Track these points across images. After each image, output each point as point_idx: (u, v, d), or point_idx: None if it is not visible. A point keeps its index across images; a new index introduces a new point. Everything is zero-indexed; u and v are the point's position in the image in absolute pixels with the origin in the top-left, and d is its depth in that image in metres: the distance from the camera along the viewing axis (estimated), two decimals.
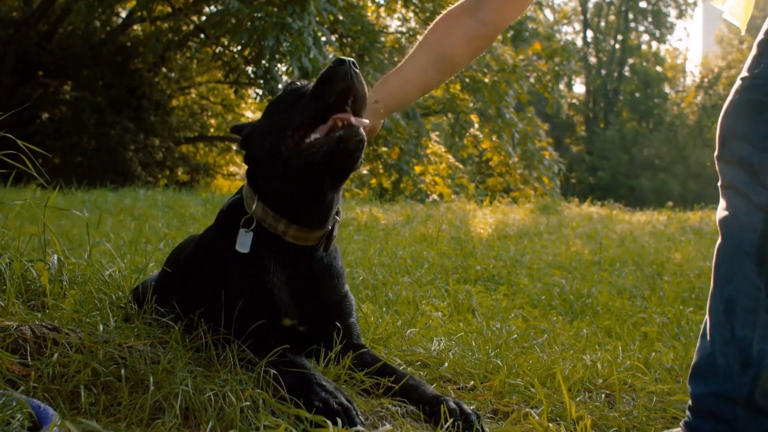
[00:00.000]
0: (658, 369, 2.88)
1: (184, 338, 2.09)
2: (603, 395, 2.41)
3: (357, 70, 2.06)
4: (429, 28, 2.45)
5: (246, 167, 2.32)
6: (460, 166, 23.58)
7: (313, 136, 2.07)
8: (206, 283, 2.24)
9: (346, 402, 1.87)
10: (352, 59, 2.06)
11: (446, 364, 2.46)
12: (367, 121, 2.09)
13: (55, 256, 2.53)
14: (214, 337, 2.08)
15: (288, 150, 2.12)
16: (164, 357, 1.92)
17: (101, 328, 2.07)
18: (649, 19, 46.22)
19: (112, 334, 2.06)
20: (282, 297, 2.18)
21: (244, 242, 2.19)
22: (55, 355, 1.86)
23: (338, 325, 2.25)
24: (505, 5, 2.40)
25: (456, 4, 2.44)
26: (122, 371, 1.80)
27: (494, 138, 20.91)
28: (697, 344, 2.02)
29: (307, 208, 2.17)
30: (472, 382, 2.39)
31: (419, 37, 2.45)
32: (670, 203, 17.62)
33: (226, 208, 2.35)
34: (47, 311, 2.27)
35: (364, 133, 2.05)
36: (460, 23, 2.39)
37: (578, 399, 2.35)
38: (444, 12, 2.46)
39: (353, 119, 2.03)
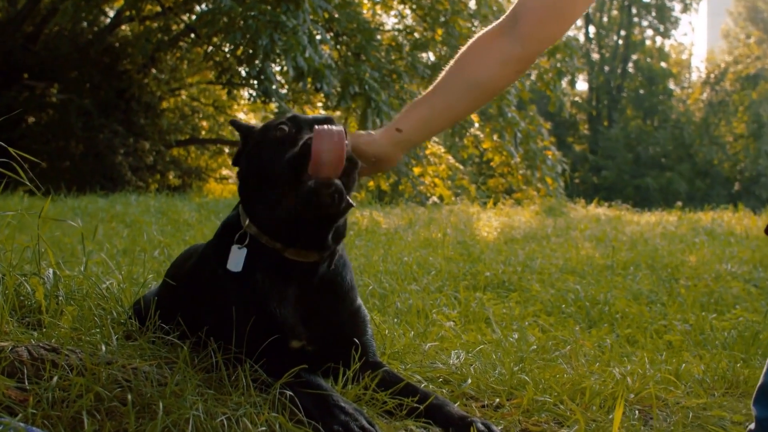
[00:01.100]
0: (689, 381, 2.81)
1: (191, 359, 2.01)
2: (636, 411, 2.34)
3: (338, 131, 1.94)
4: (461, 51, 2.26)
5: (239, 184, 2.31)
6: (461, 167, 23.52)
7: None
8: (207, 305, 2.19)
9: (367, 425, 1.80)
10: (336, 126, 1.97)
11: (469, 381, 2.39)
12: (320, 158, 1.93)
13: (51, 270, 2.45)
14: (225, 356, 2.01)
15: (274, 198, 2.13)
16: (172, 379, 1.84)
17: (103, 348, 1.99)
18: (653, 14, 46.24)
19: (115, 355, 1.98)
20: (286, 317, 2.12)
21: (236, 260, 2.14)
22: (55, 379, 1.78)
23: (356, 341, 2.17)
24: (546, 21, 2.15)
25: (490, 26, 2.26)
26: (128, 395, 1.72)
27: (495, 137, 20.83)
28: (765, 367, 1.94)
29: (300, 239, 2.12)
30: (497, 400, 2.31)
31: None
32: (679, 203, 17.55)
33: (222, 226, 2.33)
34: (44, 330, 2.19)
35: (339, 184, 1.94)
36: (495, 45, 2.19)
37: (610, 416, 2.27)
38: (477, 34, 2.28)
39: (320, 169, 1.92)
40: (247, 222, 2.18)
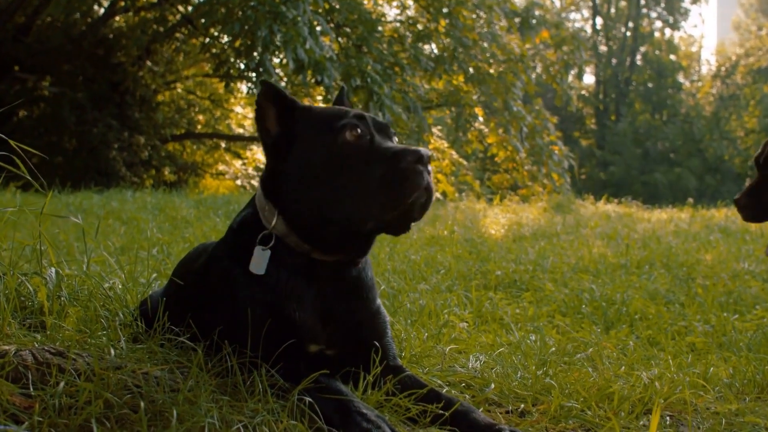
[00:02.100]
0: (718, 385, 2.77)
1: (204, 363, 1.97)
2: (667, 417, 2.29)
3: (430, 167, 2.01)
4: None
5: (264, 173, 2.20)
6: (464, 162, 23.46)
7: None
8: (221, 306, 2.13)
9: None
10: (429, 153, 2.00)
11: (492, 386, 2.34)
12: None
13: (53, 269, 2.40)
14: (240, 360, 1.96)
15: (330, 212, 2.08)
16: (185, 385, 1.79)
17: (112, 351, 1.94)
18: (662, 5, 46.17)
19: (124, 359, 1.94)
20: (306, 321, 2.08)
21: (259, 262, 2.07)
22: (61, 384, 1.74)
23: (376, 344, 2.13)
24: None
25: None
26: (140, 402, 1.68)
27: (501, 132, 20.76)
28: None
29: (347, 247, 2.11)
30: (522, 405, 2.27)
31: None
32: (690, 200, 17.50)
33: (237, 224, 2.22)
34: (47, 332, 2.15)
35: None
36: None
37: (641, 423, 2.23)
38: None
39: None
40: (274, 221, 2.09)
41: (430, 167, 1.99)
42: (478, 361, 2.66)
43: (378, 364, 2.11)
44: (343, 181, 2.01)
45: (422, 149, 1.97)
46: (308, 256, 2.09)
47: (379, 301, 2.26)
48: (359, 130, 2.06)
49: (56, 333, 2.13)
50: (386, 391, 2.04)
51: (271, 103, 2.12)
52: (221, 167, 26.03)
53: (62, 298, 2.36)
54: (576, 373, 2.58)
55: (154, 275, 3.34)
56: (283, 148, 2.12)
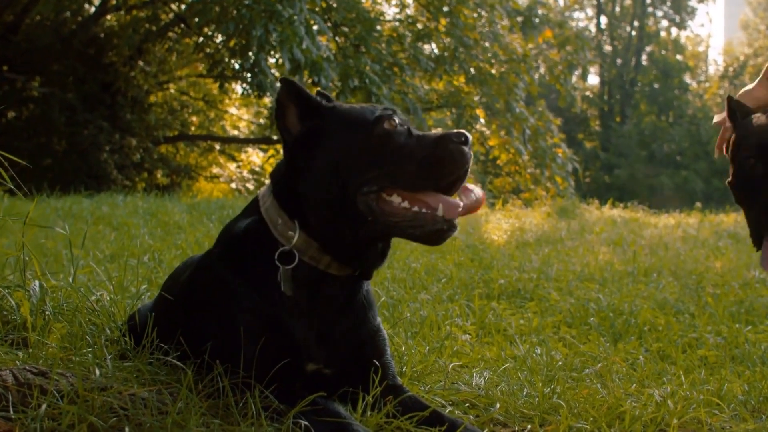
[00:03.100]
0: (733, 402, 2.72)
1: (194, 383, 1.92)
2: None
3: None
4: None
5: (277, 176, 2.14)
6: None
7: (397, 200, 2.00)
8: (213, 322, 2.07)
9: None
10: (469, 135, 2.07)
11: (498, 405, 2.30)
12: (461, 204, 2.05)
13: (37, 282, 2.36)
14: (232, 381, 1.91)
15: (364, 204, 2.01)
16: (174, 407, 1.75)
17: (96, 371, 1.89)
18: (668, 4, 46.21)
19: (110, 379, 1.89)
20: (306, 338, 2.03)
21: (287, 282, 2.03)
22: (44, 406, 1.69)
23: (375, 363, 2.08)
24: None
25: None
26: (125, 426, 1.63)
27: (502, 134, 20.77)
28: None
29: (364, 254, 2.08)
30: (529, 426, 2.22)
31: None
32: (698, 204, 17.48)
33: (242, 232, 2.15)
34: (30, 350, 2.09)
35: (457, 222, 2.05)
36: None
37: None
38: None
39: (457, 215, 2.02)
40: (295, 237, 2.04)
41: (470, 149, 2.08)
42: (483, 378, 2.61)
43: (378, 384, 2.06)
44: (385, 169, 2.01)
45: (464, 131, 2.06)
46: (319, 271, 2.05)
47: (379, 319, 2.22)
48: (396, 120, 2.06)
49: (39, 350, 2.08)
50: (386, 412, 1.99)
51: (293, 102, 2.09)
52: (215, 170, 26.01)
53: (47, 313, 2.31)
54: (585, 391, 2.54)
55: (144, 286, 3.28)
56: (307, 147, 2.08)
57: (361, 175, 1.99)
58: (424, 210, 1.98)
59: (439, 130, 2.12)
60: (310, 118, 2.09)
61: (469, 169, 2.07)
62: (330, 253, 2.05)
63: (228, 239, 2.19)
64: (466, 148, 2.03)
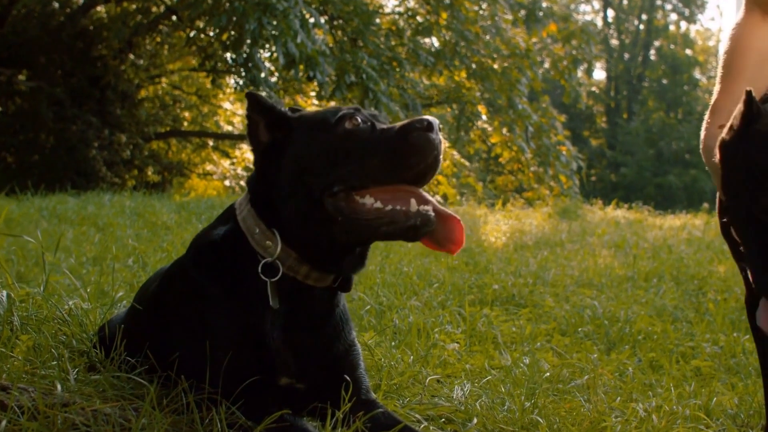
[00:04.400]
0: (721, 417, 2.74)
1: (160, 398, 1.94)
2: None
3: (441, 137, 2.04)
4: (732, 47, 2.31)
5: (253, 185, 2.16)
6: (466, 163, 23.47)
7: (369, 200, 2.01)
8: (184, 331, 2.09)
9: None
10: (438, 121, 2.04)
11: (475, 420, 2.31)
12: (434, 202, 2.05)
13: (5, 292, 2.37)
14: (197, 396, 1.93)
15: (332, 206, 2.02)
16: (137, 424, 1.76)
17: (59, 386, 1.91)
18: None
19: (74, 394, 1.91)
20: (280, 351, 2.05)
21: (275, 296, 2.05)
22: (3, 423, 1.71)
23: (346, 378, 2.10)
24: None
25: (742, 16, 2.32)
26: None
27: (505, 131, 20.78)
28: None
29: (342, 260, 2.09)
30: None
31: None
32: (705, 204, 17.48)
33: (221, 239, 2.17)
34: None
35: (434, 216, 2.02)
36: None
37: None
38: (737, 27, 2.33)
39: (432, 211, 2.00)
40: (278, 249, 2.05)
41: (440, 135, 2.05)
42: (463, 391, 2.63)
43: (349, 398, 2.07)
44: (348, 168, 2.02)
45: (429, 116, 2.03)
46: (297, 282, 2.07)
47: (354, 333, 2.24)
48: (358, 119, 2.08)
49: (4, 364, 2.09)
50: (355, 429, 2.00)
51: (259, 115, 2.14)
52: (209, 167, 25.99)
53: (14, 324, 2.33)
54: (567, 405, 2.55)
55: (120, 294, 3.30)
56: (275, 157, 2.12)
57: (327, 177, 2.02)
58: (397, 207, 1.99)
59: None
60: (277, 128, 2.13)
61: (440, 156, 2.05)
62: (308, 262, 2.07)
63: (203, 247, 2.20)
64: (431, 135, 2.01)
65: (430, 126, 2.01)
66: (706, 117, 2.32)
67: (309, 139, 2.09)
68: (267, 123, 2.13)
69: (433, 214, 1.99)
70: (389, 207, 1.99)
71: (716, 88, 2.35)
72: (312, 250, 2.06)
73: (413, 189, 2.03)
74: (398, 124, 2.07)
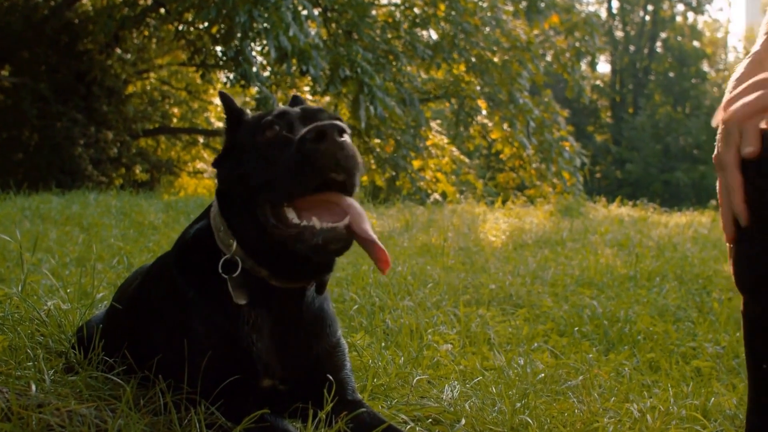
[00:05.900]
0: (719, 418, 2.76)
1: (137, 398, 1.96)
2: None
3: (343, 138, 1.92)
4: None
5: (219, 184, 2.19)
6: (466, 159, 23.51)
7: (291, 214, 1.96)
8: (164, 330, 2.11)
9: None
10: (335, 124, 1.92)
11: (463, 421, 2.34)
12: (352, 209, 1.96)
13: None
14: (175, 397, 1.95)
15: (263, 217, 2.01)
16: (113, 424, 1.79)
17: (33, 387, 1.93)
18: None
19: (49, 395, 1.93)
20: (262, 352, 2.07)
21: (237, 291, 2.06)
22: None
23: (330, 378, 2.12)
24: None
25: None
26: None
27: (506, 127, 20.78)
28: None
29: (291, 268, 2.07)
30: None
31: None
32: (713, 202, 17.49)
33: (191, 239, 2.21)
34: None
35: (345, 232, 1.93)
36: None
37: None
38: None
39: (342, 227, 1.91)
40: (233, 245, 2.07)
41: (345, 137, 1.94)
42: (453, 392, 2.65)
43: (332, 398, 2.10)
44: (266, 179, 2.01)
45: (328, 122, 1.92)
46: (268, 283, 2.08)
47: (339, 333, 2.26)
48: (276, 127, 2.06)
49: None
50: (338, 429, 2.03)
51: (227, 114, 2.20)
52: (199, 165, 25.99)
53: None
54: (559, 406, 2.58)
55: (101, 294, 3.32)
56: (225, 159, 2.17)
57: (254, 188, 2.02)
58: (304, 223, 1.94)
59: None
60: (236, 129, 2.19)
61: (349, 160, 1.93)
62: (263, 267, 2.08)
63: (181, 244, 2.24)
64: (322, 145, 1.90)
65: (321, 135, 1.90)
66: (741, 68, 2.09)
67: (243, 145, 2.12)
68: (230, 125, 2.20)
69: (344, 230, 1.92)
70: (304, 222, 1.94)
71: (760, 40, 2.18)
72: (263, 257, 2.07)
73: (337, 200, 1.98)
74: (305, 129, 2.00)
